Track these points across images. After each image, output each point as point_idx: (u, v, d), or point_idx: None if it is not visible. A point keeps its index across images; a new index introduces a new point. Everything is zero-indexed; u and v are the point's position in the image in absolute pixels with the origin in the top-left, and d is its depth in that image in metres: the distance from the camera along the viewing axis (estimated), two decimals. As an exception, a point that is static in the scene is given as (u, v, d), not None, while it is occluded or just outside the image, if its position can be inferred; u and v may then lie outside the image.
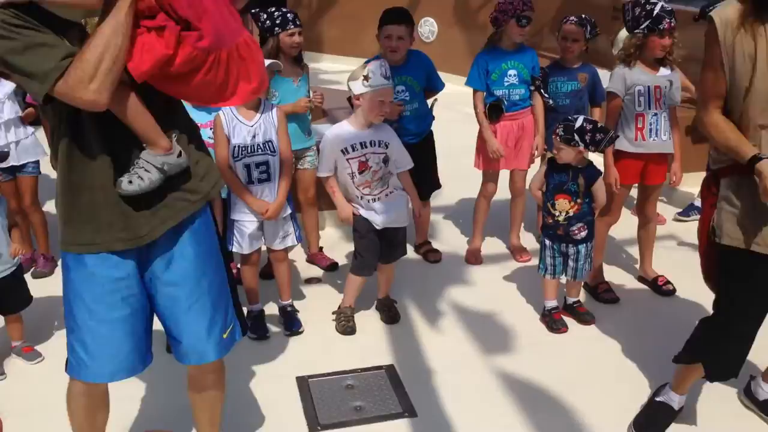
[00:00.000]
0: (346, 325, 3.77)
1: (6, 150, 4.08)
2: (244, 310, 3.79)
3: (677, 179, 4.04)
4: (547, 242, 3.75)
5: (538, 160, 4.45)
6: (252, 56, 2.12)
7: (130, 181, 2.07)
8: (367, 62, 3.73)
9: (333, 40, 10.40)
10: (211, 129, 3.80)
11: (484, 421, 3.09)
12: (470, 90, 4.41)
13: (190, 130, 2.28)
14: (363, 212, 3.65)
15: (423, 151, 4.27)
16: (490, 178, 4.54)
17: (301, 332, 3.77)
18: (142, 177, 2.07)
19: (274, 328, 3.79)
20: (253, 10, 4.12)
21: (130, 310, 2.21)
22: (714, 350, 2.79)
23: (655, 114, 3.88)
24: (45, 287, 3.97)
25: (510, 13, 4.19)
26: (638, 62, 3.84)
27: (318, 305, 4.01)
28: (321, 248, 4.61)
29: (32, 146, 4.25)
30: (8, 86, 4.06)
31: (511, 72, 4.28)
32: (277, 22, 3.98)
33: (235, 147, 3.51)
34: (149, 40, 1.92)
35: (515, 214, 4.65)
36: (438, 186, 4.62)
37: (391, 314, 3.90)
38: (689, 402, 3.10)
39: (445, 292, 4.22)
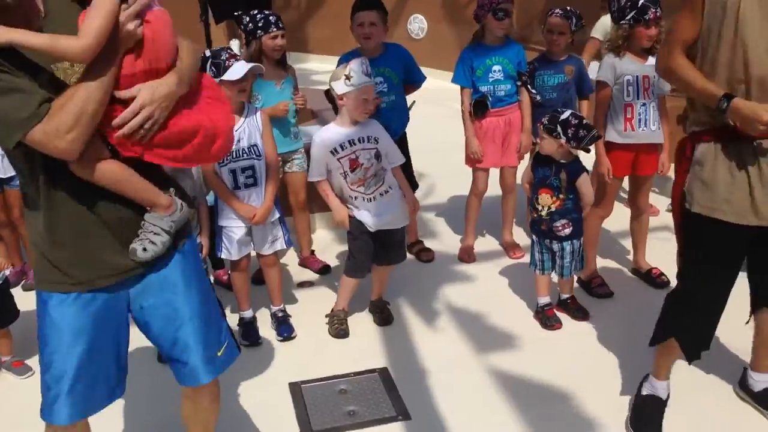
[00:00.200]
0: (339, 328, 3.74)
1: None
2: (236, 316, 3.81)
3: (665, 169, 4.01)
4: (535, 238, 3.72)
5: (527, 156, 4.42)
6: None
7: (145, 249, 2.06)
8: (343, 58, 3.70)
9: (321, 40, 10.38)
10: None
11: (477, 420, 3.06)
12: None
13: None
14: (356, 214, 3.61)
15: None
16: (479, 175, 4.51)
17: (294, 337, 3.74)
18: (154, 242, 2.08)
19: (266, 334, 3.76)
20: (236, 13, 4.09)
21: (111, 344, 2.17)
22: (681, 323, 2.78)
23: (644, 104, 3.85)
24: (35, 300, 3.93)
25: (486, 7, 4.17)
26: (627, 52, 3.81)
27: (310, 309, 3.98)
28: (313, 251, 4.58)
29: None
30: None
31: (496, 68, 4.25)
32: (260, 25, 3.94)
33: (220, 152, 3.47)
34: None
35: (506, 210, 4.62)
36: (415, 186, 4.57)
37: (384, 316, 3.87)
38: (686, 396, 3.08)
39: (438, 291, 4.19)
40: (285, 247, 3.77)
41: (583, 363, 3.45)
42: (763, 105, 2.36)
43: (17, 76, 1.82)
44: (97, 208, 2.03)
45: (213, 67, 3.41)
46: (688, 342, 2.78)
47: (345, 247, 3.78)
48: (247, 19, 3.96)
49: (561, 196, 3.57)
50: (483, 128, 4.34)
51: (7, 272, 4.06)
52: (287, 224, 3.80)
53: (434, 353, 3.57)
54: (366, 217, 3.60)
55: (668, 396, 2.98)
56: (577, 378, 3.30)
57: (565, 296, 3.86)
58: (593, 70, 4.26)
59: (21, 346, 3.55)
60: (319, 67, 9.65)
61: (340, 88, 3.48)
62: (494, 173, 4.56)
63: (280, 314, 3.80)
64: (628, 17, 3.72)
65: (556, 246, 3.64)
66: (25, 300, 3.59)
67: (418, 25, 9.73)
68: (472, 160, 4.45)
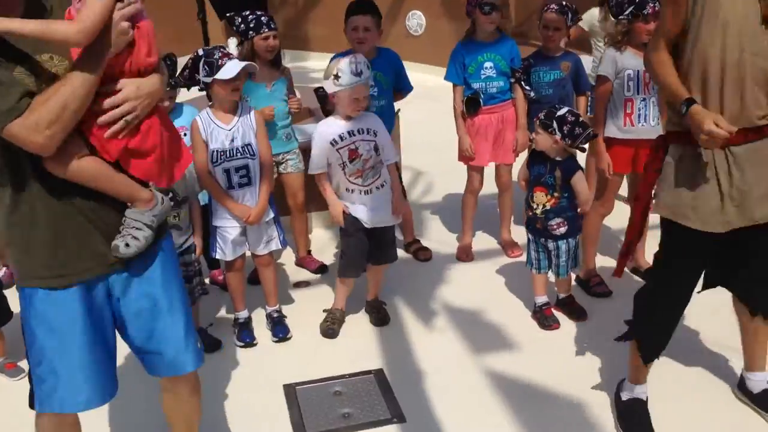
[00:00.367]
0: (328, 327, 3.72)
1: None
2: (231, 317, 3.78)
3: None
4: (530, 236, 3.69)
5: (523, 154, 4.38)
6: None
7: (127, 244, 2.07)
8: (335, 57, 3.67)
9: (319, 38, 10.33)
10: (182, 135, 3.74)
11: (473, 421, 3.03)
12: (458, 83, 4.33)
13: None
14: (352, 210, 3.58)
15: None
16: (474, 172, 4.48)
17: (289, 338, 3.71)
18: (136, 237, 2.08)
19: (261, 335, 3.72)
20: (228, 14, 4.05)
21: (101, 334, 2.17)
22: (639, 321, 2.79)
23: (644, 99, 3.80)
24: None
25: (473, 2, 4.14)
26: (628, 47, 3.77)
27: (306, 309, 3.95)
28: (309, 251, 4.55)
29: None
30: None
31: (488, 64, 4.21)
32: (251, 25, 3.91)
33: (213, 152, 3.44)
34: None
35: (504, 208, 4.58)
36: (404, 193, 4.53)
37: (380, 316, 3.83)
38: (685, 398, 3.04)
39: (435, 291, 4.15)
40: (280, 247, 3.74)
41: (581, 363, 3.41)
42: (714, 115, 2.36)
43: None
44: (79, 202, 2.03)
45: (206, 66, 3.38)
46: (645, 343, 2.80)
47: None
48: (239, 20, 3.94)
49: (555, 194, 3.53)
50: (475, 126, 4.30)
51: (0, 273, 4.04)
52: (283, 224, 3.77)
53: (431, 354, 3.53)
54: (362, 212, 3.57)
55: (647, 398, 2.96)
56: (575, 378, 3.27)
57: (562, 295, 3.82)
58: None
59: (14, 348, 3.52)
60: (317, 65, 9.57)
61: (329, 87, 3.46)
62: (491, 171, 4.52)
63: (276, 315, 3.77)
64: (627, 12, 3.67)
65: (551, 245, 3.60)
66: (18, 301, 3.55)
67: (416, 21, 9.69)
68: (465, 157, 4.42)
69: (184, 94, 4.00)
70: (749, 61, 2.39)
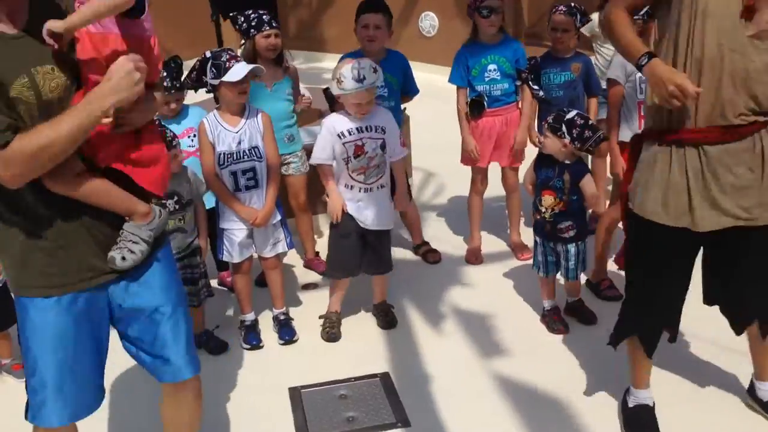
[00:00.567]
0: (329, 332, 3.70)
1: None
2: (238, 319, 3.78)
3: None
4: (538, 239, 3.65)
5: (530, 156, 4.34)
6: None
7: (123, 257, 2.08)
8: (343, 58, 3.66)
9: (333, 39, 10.32)
10: (189, 137, 3.75)
11: (478, 426, 3.01)
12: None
13: None
14: (350, 208, 3.55)
15: None
16: (477, 173, 4.45)
17: (296, 341, 3.70)
18: (133, 251, 2.09)
19: (268, 338, 3.72)
20: (231, 14, 4.05)
21: (95, 346, 2.16)
22: (634, 323, 2.77)
23: (657, 102, 3.76)
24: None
25: (472, 6, 4.12)
26: None
27: (314, 311, 3.92)
28: (317, 253, 4.53)
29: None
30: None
31: (491, 67, 4.17)
32: (253, 24, 3.91)
33: (220, 154, 3.44)
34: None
35: (512, 210, 4.55)
36: (409, 196, 4.51)
37: (388, 319, 3.81)
38: (694, 404, 3.00)
39: (444, 294, 4.13)
40: (287, 249, 3.73)
41: (589, 368, 3.37)
42: (683, 74, 2.28)
43: None
44: (76, 213, 2.02)
45: (213, 68, 3.38)
46: (646, 339, 2.77)
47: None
48: (242, 19, 3.94)
49: (564, 197, 3.49)
50: (479, 128, 4.27)
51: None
52: (289, 226, 3.76)
53: (438, 357, 3.51)
54: (359, 211, 3.55)
55: (654, 404, 2.92)
56: (583, 384, 3.23)
57: (572, 299, 3.78)
58: None
59: (19, 349, 3.54)
60: (330, 66, 9.54)
61: (333, 89, 3.47)
62: (496, 172, 4.48)
63: (282, 317, 3.76)
64: (642, 12, 3.63)
65: (560, 248, 3.57)
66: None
67: (429, 22, 9.65)
68: (468, 158, 4.39)
69: (191, 96, 4.01)
70: (727, 58, 2.30)
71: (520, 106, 4.30)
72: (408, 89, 4.30)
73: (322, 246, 4.65)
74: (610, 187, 4.41)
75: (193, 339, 2.34)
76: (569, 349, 3.53)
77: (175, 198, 3.35)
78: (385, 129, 3.55)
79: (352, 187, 3.55)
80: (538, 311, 3.82)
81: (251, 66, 3.41)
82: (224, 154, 3.44)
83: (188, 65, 3.62)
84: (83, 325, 2.11)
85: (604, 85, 4.33)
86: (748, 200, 2.43)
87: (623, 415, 2.95)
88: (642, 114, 3.76)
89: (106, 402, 2.35)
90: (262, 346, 3.65)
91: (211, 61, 3.41)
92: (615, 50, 3.87)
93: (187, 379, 2.31)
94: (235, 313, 3.88)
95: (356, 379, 3.33)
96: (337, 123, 3.52)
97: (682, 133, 2.41)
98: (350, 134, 3.48)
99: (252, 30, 3.91)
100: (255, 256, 3.68)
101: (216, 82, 3.38)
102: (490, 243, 4.68)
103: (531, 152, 4.02)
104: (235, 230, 3.56)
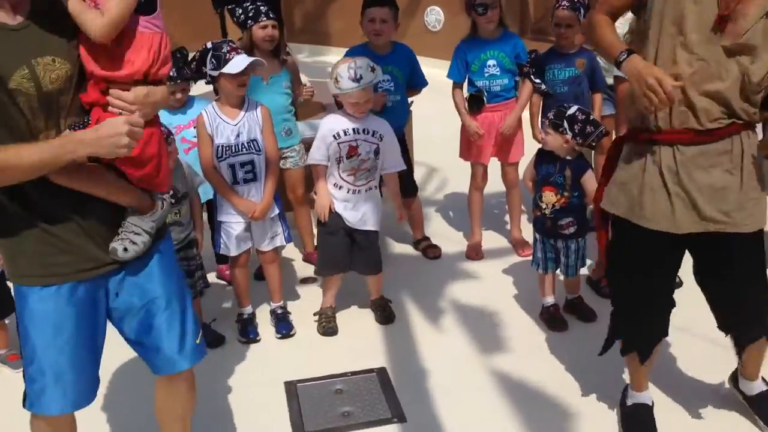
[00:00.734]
0: (326, 326, 3.68)
1: None
2: (235, 312, 3.76)
3: None
4: (537, 236, 3.62)
5: (529, 153, 4.31)
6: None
7: (125, 249, 2.08)
8: (349, 53, 3.64)
9: (338, 33, 10.28)
10: (194, 128, 3.72)
11: (475, 422, 2.99)
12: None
13: None
14: (337, 206, 3.55)
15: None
16: (477, 169, 4.42)
17: (293, 335, 3.68)
18: (135, 242, 2.09)
19: (265, 331, 3.70)
20: (229, 6, 4.03)
21: (92, 335, 2.16)
22: (621, 327, 2.76)
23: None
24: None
25: (469, 5, 4.09)
26: None
27: (312, 306, 3.91)
28: (316, 247, 4.51)
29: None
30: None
31: (491, 62, 4.14)
32: (250, 15, 3.89)
33: (218, 147, 3.43)
34: None
35: (513, 206, 4.52)
36: (415, 188, 4.48)
37: (385, 314, 3.79)
38: (692, 405, 2.98)
39: (443, 289, 4.10)
40: (285, 243, 3.72)
41: (588, 365, 3.33)
42: (661, 69, 2.25)
43: None
44: (75, 203, 2.02)
45: (213, 60, 3.37)
46: (638, 345, 2.74)
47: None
48: (240, 11, 3.91)
49: (566, 193, 3.46)
50: (478, 123, 4.23)
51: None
52: (288, 220, 3.74)
53: (435, 353, 3.49)
54: (346, 210, 3.55)
55: (653, 403, 2.89)
56: (581, 381, 3.21)
57: (572, 296, 3.76)
58: None
59: (16, 340, 3.50)
60: (335, 60, 9.55)
61: (331, 89, 3.47)
62: (495, 168, 4.45)
63: (280, 311, 3.74)
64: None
65: (560, 244, 3.54)
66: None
67: (434, 17, 9.62)
68: (467, 153, 4.36)
69: (200, 88, 3.99)
70: (700, 66, 2.28)
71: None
72: (416, 82, 4.28)
73: (321, 240, 4.65)
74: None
75: (195, 330, 2.32)
76: (568, 346, 3.51)
77: (171, 192, 3.33)
78: (382, 137, 3.54)
79: (341, 187, 3.54)
80: (538, 308, 3.79)
81: (252, 58, 3.38)
82: (223, 146, 3.42)
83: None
84: (83, 315, 2.11)
85: (609, 81, 4.29)
86: (727, 204, 2.40)
87: (621, 413, 2.92)
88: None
89: (101, 393, 2.33)
90: (259, 340, 3.64)
91: (211, 52, 3.39)
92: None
93: (180, 371, 2.30)
94: (233, 306, 3.86)
95: (353, 373, 3.32)
96: (333, 123, 3.52)
97: (656, 134, 2.40)
98: (346, 134, 3.47)
99: (249, 21, 3.88)
100: (253, 249, 3.66)
101: (215, 73, 3.36)
102: (490, 239, 4.65)
103: (531, 149, 3.99)
104: (233, 223, 3.54)
